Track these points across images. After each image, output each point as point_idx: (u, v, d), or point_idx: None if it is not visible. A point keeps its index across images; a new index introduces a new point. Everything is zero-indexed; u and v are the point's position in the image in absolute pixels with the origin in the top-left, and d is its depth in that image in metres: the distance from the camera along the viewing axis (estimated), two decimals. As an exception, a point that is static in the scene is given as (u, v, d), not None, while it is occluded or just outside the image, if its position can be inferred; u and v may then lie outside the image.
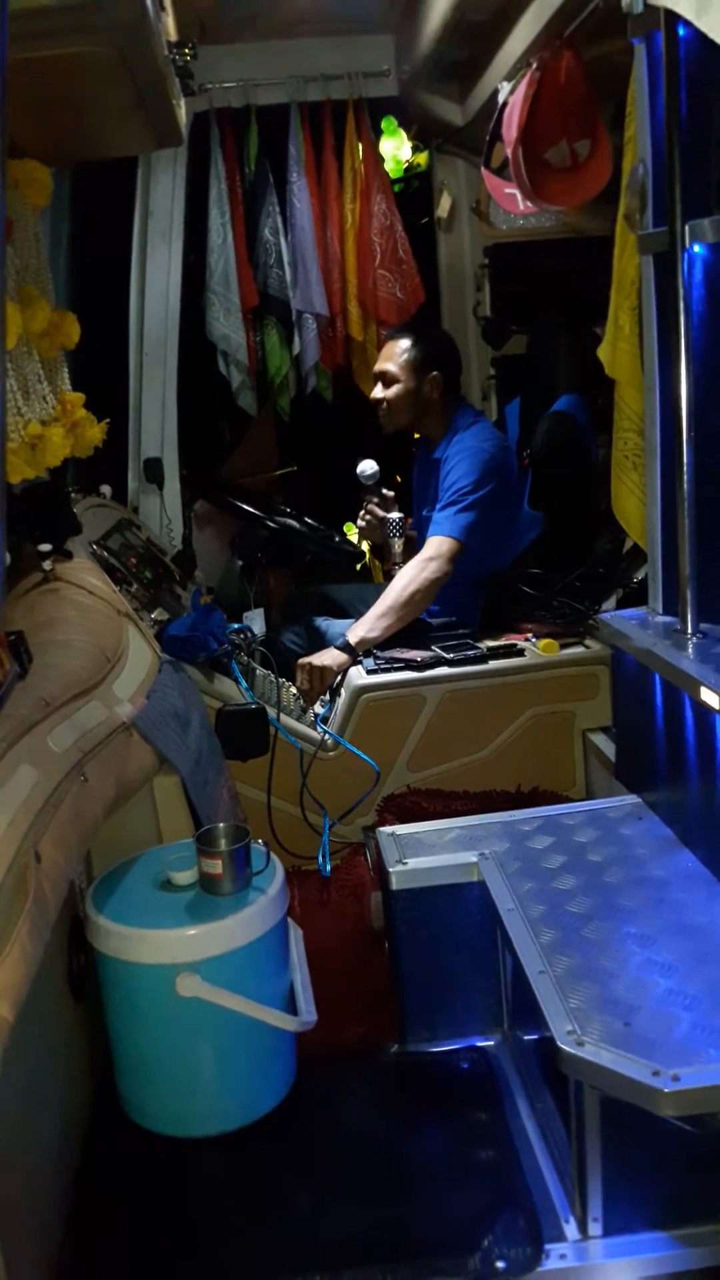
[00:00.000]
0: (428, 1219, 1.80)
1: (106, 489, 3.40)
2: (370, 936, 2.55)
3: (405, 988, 2.28)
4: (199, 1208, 1.86)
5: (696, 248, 2.00)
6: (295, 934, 2.16)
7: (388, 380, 3.29)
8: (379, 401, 3.33)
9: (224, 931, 1.89)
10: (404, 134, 4.13)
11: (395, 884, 2.21)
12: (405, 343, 3.26)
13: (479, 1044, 2.25)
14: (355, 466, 3.42)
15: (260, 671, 3.05)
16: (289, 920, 2.10)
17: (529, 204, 2.78)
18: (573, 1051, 1.60)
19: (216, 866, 1.92)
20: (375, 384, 3.36)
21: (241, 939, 1.90)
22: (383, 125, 4.13)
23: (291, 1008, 2.03)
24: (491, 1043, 2.26)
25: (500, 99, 2.87)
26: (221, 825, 2.02)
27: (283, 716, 2.88)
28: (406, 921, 2.24)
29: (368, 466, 3.37)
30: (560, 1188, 1.82)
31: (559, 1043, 1.63)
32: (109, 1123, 2.01)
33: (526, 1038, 2.13)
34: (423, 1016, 2.28)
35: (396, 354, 3.26)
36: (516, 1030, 2.21)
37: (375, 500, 3.40)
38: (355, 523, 3.47)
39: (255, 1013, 1.91)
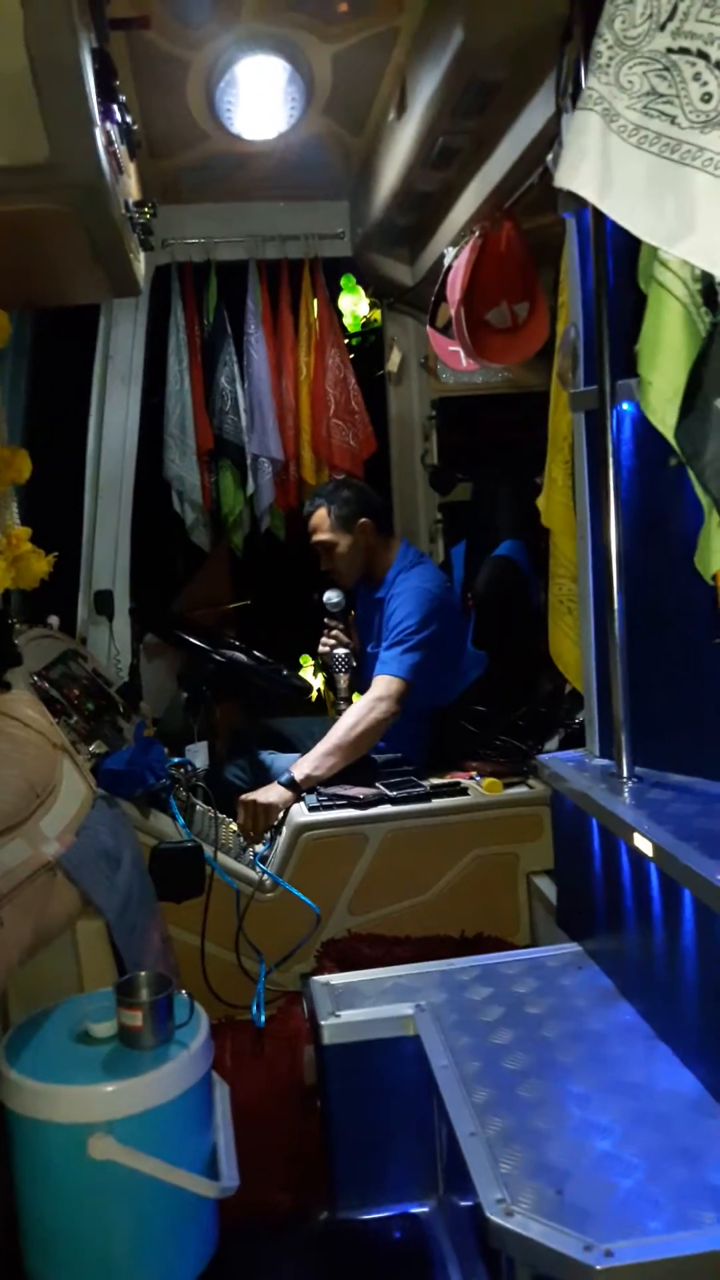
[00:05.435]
0: None
1: (54, 619, 3.40)
2: (304, 1093, 2.43)
3: (336, 1149, 2.17)
4: None
5: (625, 405, 2.09)
6: (221, 1091, 2.06)
7: (327, 548, 3.42)
8: (330, 570, 3.46)
9: (142, 1088, 1.79)
10: (362, 291, 4.34)
11: (327, 1038, 2.12)
12: (322, 511, 3.41)
13: (412, 1211, 2.13)
14: (312, 600, 3.49)
15: (200, 807, 3.00)
16: (214, 1076, 2.00)
17: (471, 361, 2.91)
18: (501, 1222, 1.52)
19: (136, 1018, 1.84)
20: (319, 557, 3.48)
21: (160, 1097, 1.81)
22: (342, 283, 4.36)
23: (214, 1171, 1.92)
24: (426, 1209, 2.14)
25: (446, 263, 3.03)
26: (143, 974, 1.94)
27: (220, 855, 2.81)
28: (339, 1078, 2.14)
29: (334, 595, 3.46)
30: None
31: (487, 1212, 1.54)
32: (10, 1301, 1.86)
33: (461, 1204, 2.02)
34: (354, 1181, 2.16)
35: (321, 524, 3.41)
36: (451, 1196, 2.10)
37: (339, 627, 3.46)
38: (317, 648, 3.50)
39: (172, 1177, 1.80)
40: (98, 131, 1.96)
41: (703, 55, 1.30)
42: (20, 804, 2.06)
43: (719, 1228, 1.47)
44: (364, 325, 4.85)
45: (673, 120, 1.34)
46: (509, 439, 3.84)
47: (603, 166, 1.44)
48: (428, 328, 3.17)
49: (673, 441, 1.68)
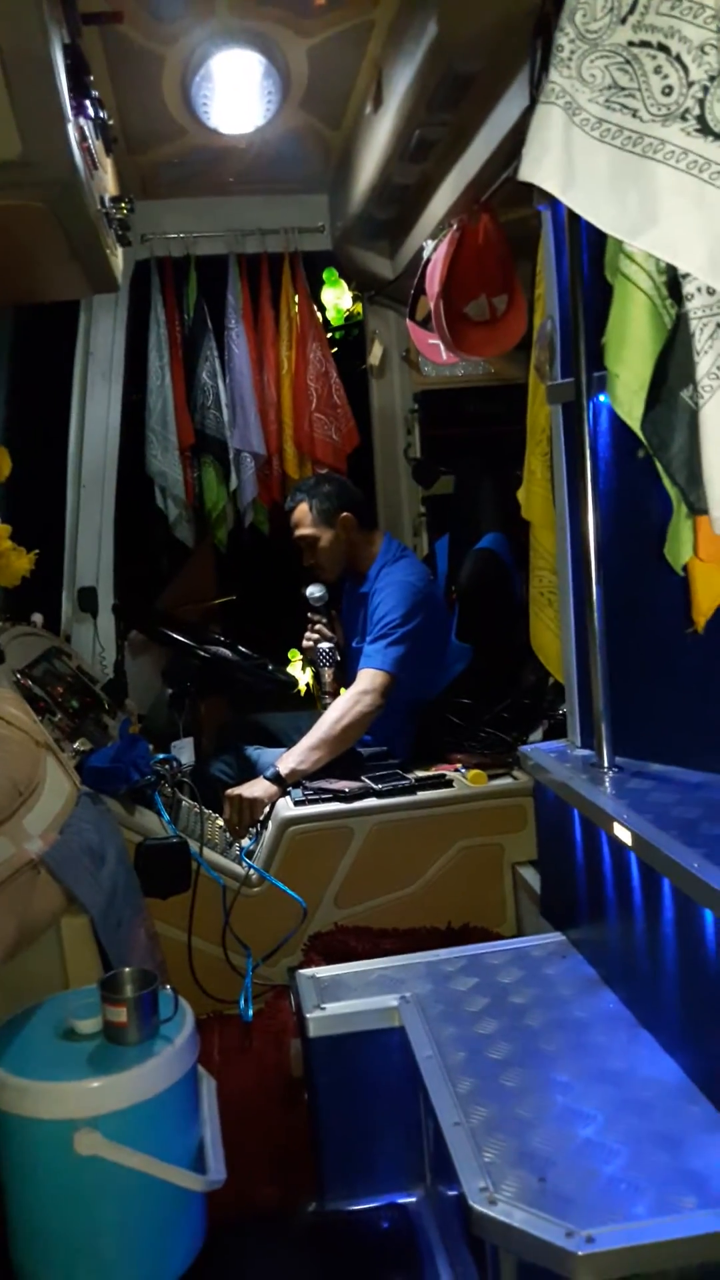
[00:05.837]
0: None
1: (38, 617, 3.40)
2: (291, 1086, 2.44)
3: (324, 1141, 2.17)
4: None
5: (601, 398, 2.09)
6: (207, 1085, 2.06)
7: (309, 542, 3.42)
8: (312, 564, 3.45)
9: (127, 1084, 1.80)
10: (345, 284, 4.33)
11: (313, 1031, 2.13)
12: (303, 505, 3.41)
13: (400, 1201, 2.14)
14: (298, 595, 3.49)
15: (186, 803, 3.00)
16: (200, 1070, 2.01)
17: (451, 354, 2.91)
18: (483, 1210, 1.53)
19: (121, 1014, 1.84)
20: (302, 552, 3.47)
21: (146, 1092, 1.81)
22: (325, 276, 4.35)
23: (201, 1165, 1.92)
24: (413, 1199, 2.14)
25: (425, 256, 3.03)
26: (127, 970, 1.94)
27: (205, 850, 2.82)
28: (325, 1070, 2.14)
29: (316, 590, 3.46)
30: None
31: (470, 1201, 1.55)
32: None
33: (447, 1193, 2.03)
34: (342, 1172, 2.17)
35: (303, 518, 3.40)
36: (438, 1185, 2.11)
37: (323, 621, 3.45)
38: (301, 643, 3.50)
39: (159, 1171, 1.80)
40: (70, 127, 1.95)
41: (663, 48, 1.31)
42: (3, 802, 2.06)
43: (699, 1212, 1.48)
44: (347, 318, 4.84)
45: (634, 113, 1.35)
46: (491, 431, 3.84)
47: (565, 160, 1.44)
48: (407, 321, 3.17)
49: (639, 433, 1.69)
